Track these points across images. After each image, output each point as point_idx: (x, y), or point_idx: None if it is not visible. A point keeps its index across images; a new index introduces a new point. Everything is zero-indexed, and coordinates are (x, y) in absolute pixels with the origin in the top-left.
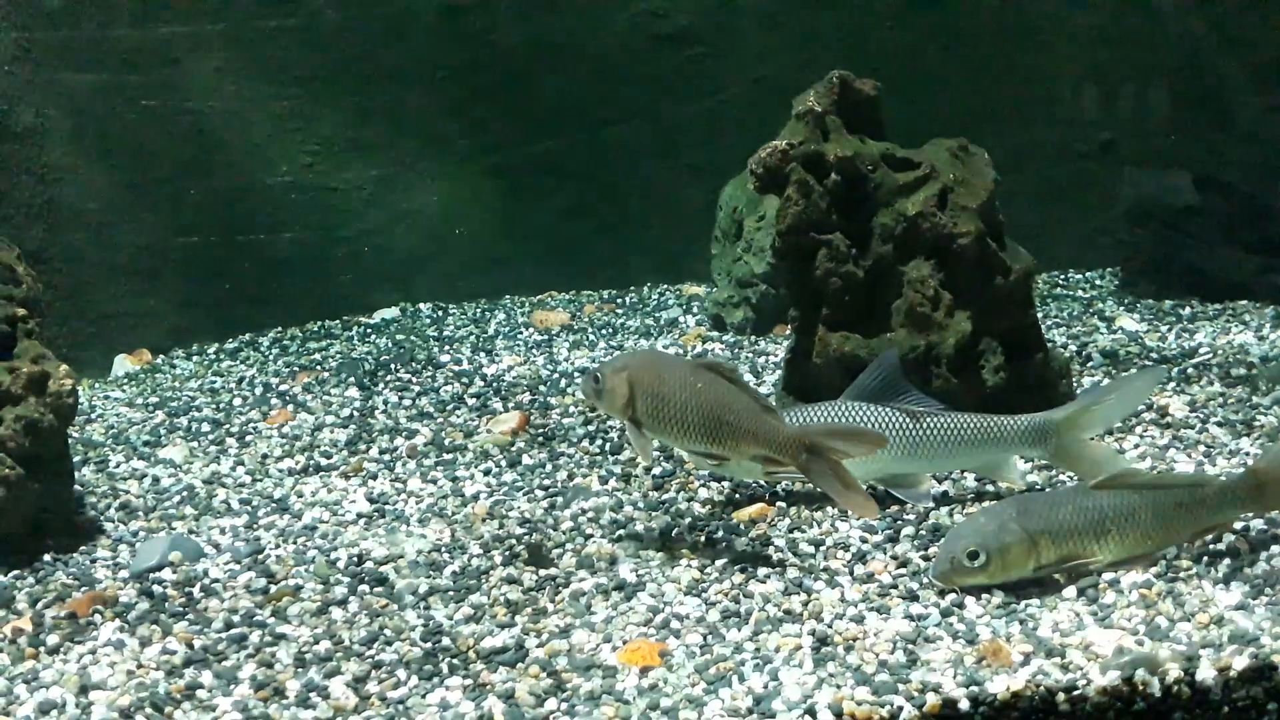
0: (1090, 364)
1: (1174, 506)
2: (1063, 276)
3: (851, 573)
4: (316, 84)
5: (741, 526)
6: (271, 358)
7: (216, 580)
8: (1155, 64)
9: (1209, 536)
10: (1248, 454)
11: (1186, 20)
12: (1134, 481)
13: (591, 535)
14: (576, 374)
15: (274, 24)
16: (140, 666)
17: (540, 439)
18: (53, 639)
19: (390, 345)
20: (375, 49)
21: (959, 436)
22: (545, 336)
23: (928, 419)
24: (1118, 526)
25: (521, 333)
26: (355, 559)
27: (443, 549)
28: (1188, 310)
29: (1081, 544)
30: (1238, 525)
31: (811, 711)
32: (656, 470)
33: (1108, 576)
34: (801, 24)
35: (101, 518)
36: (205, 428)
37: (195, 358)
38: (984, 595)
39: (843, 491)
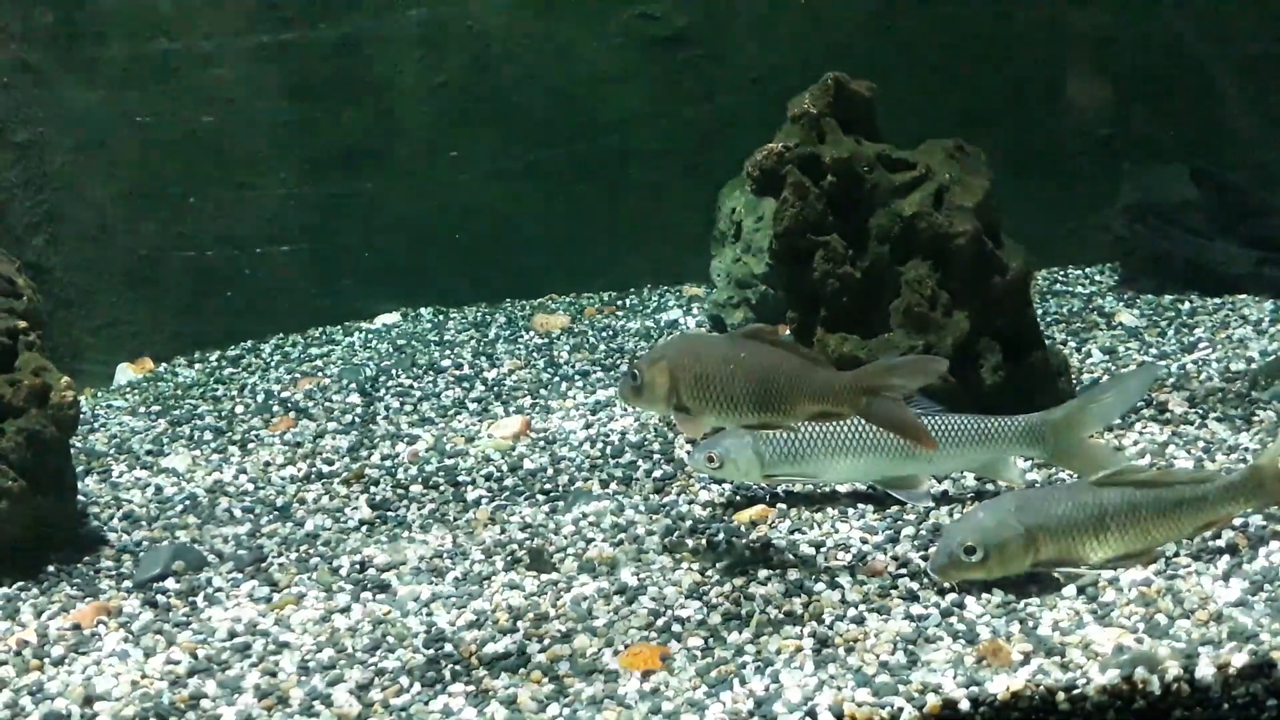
0: (1089, 361)
1: (1175, 503)
2: (1062, 273)
3: (852, 573)
4: (313, 93)
5: (742, 529)
6: (273, 364)
7: (220, 589)
8: (1153, 60)
9: (1208, 533)
10: (1247, 449)
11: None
12: (1135, 478)
13: (593, 539)
14: (578, 376)
15: (269, 37)
16: (144, 677)
17: (541, 443)
18: (57, 650)
19: (391, 351)
20: (371, 58)
21: (957, 437)
22: (546, 340)
23: (926, 420)
24: (1118, 522)
25: (522, 336)
26: (358, 566)
27: (444, 555)
28: (1187, 305)
29: (1081, 540)
30: (1237, 521)
31: (812, 713)
32: (657, 474)
33: (1107, 575)
34: (798, 25)
35: (105, 528)
36: (208, 436)
37: (198, 365)
38: (984, 595)
39: (907, 430)
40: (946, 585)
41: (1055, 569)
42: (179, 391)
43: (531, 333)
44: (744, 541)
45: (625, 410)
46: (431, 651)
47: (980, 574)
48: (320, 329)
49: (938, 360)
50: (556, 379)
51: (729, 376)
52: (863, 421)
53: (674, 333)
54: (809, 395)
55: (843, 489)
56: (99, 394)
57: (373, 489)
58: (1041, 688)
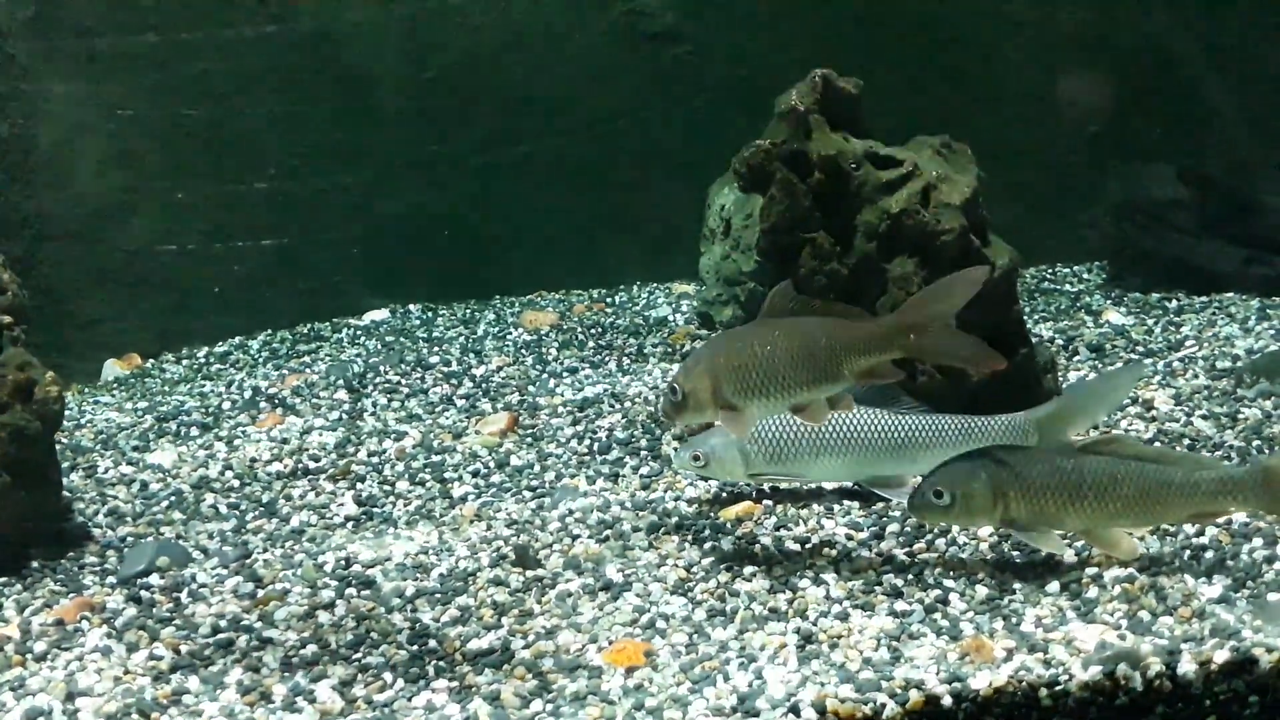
0: (1077, 358)
1: (1163, 483)
2: (1050, 271)
3: (837, 570)
4: (302, 88)
5: (728, 525)
6: (261, 361)
7: (204, 585)
8: (1139, 59)
9: (1192, 527)
10: (1231, 447)
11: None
12: (1127, 449)
13: (579, 536)
14: (566, 373)
15: (257, 30)
16: (127, 673)
17: (528, 440)
18: (40, 646)
19: (379, 347)
20: (360, 52)
21: (942, 436)
22: (534, 337)
23: (909, 419)
24: (1096, 492)
25: (511, 333)
26: (343, 562)
27: (430, 551)
28: (1174, 303)
29: (1055, 504)
30: (1220, 518)
31: (795, 709)
32: (643, 470)
33: (1090, 571)
34: (786, 23)
35: (89, 524)
36: (194, 432)
37: (184, 361)
38: (968, 590)
39: (966, 355)
40: (930, 580)
41: (1032, 532)
42: (166, 388)
43: (520, 330)
44: (730, 538)
45: (613, 407)
46: (415, 647)
47: (948, 520)
48: (308, 325)
49: (974, 270)
50: (545, 376)
51: (769, 356)
52: (847, 421)
53: (663, 330)
54: (854, 351)
55: (829, 486)
56: (85, 390)
57: (359, 485)
58: (1024, 684)
